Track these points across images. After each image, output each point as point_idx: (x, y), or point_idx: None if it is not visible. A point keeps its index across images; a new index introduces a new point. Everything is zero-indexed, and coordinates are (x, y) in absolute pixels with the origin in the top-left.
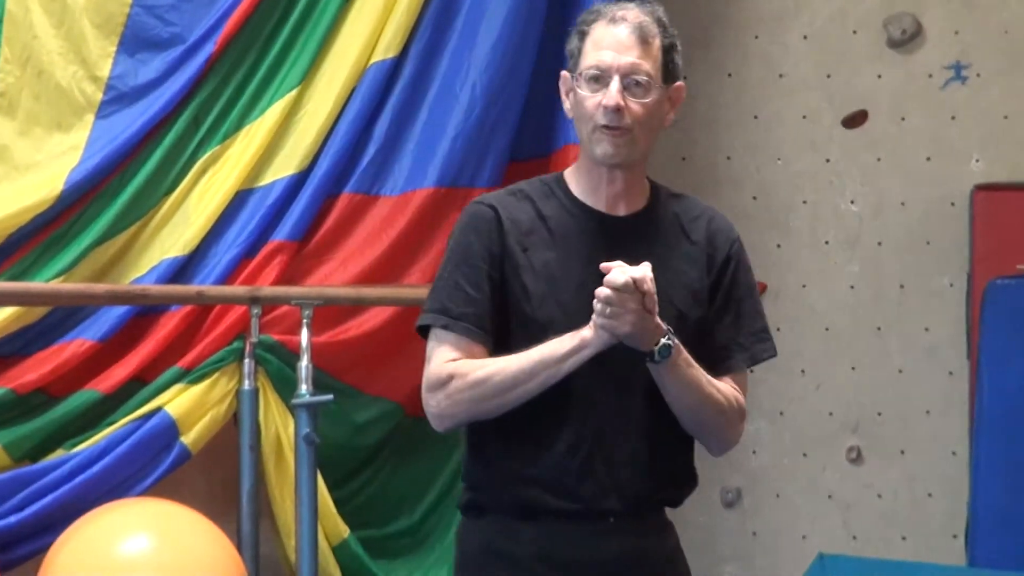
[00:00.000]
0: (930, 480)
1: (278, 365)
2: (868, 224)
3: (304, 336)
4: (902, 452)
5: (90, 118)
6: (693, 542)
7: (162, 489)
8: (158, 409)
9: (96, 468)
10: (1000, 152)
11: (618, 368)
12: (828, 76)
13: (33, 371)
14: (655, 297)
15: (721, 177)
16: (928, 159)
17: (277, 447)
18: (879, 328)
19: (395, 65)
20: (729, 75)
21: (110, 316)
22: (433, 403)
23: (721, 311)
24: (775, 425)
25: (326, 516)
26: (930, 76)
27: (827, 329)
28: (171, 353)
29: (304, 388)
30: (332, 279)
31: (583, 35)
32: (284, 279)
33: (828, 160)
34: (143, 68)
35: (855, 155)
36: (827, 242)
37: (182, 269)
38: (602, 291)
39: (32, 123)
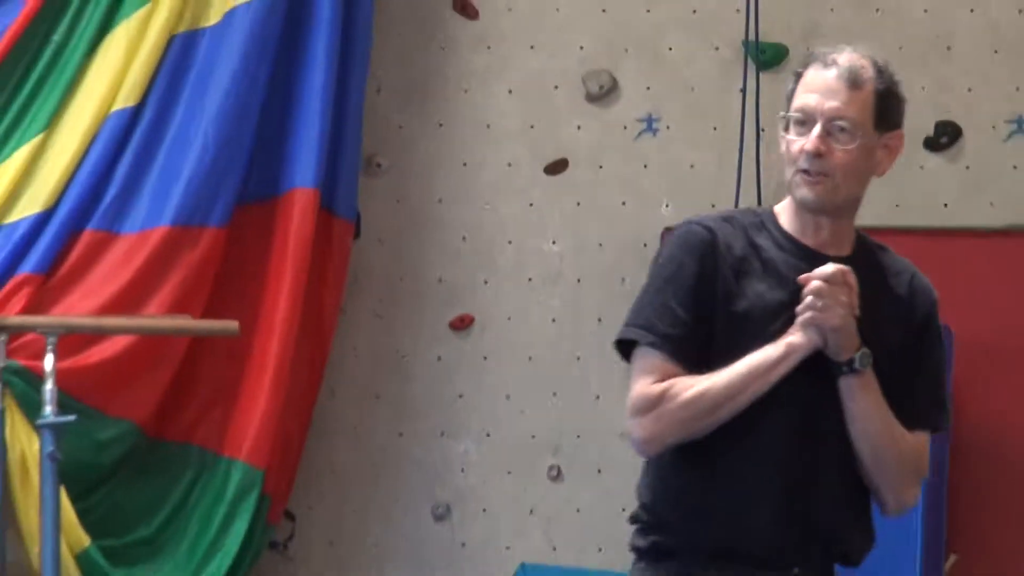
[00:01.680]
0: (623, 496)
1: (24, 388)
2: (568, 262)
3: (49, 361)
4: (599, 471)
5: None
6: (404, 553)
7: None
8: None
9: None
10: (687, 198)
11: (811, 411)
12: (532, 127)
13: None
14: (856, 296)
15: (433, 219)
16: (623, 203)
17: (23, 463)
18: (578, 357)
19: (135, 112)
20: (440, 124)
21: None
22: (640, 427)
23: (912, 372)
24: (482, 446)
25: (69, 527)
26: (625, 128)
27: (530, 358)
28: None
29: (48, 409)
30: (76, 309)
31: (798, 77)
32: (30, 309)
33: (531, 204)
34: None
35: (556, 199)
36: (530, 279)
37: None
38: (814, 284)
39: None
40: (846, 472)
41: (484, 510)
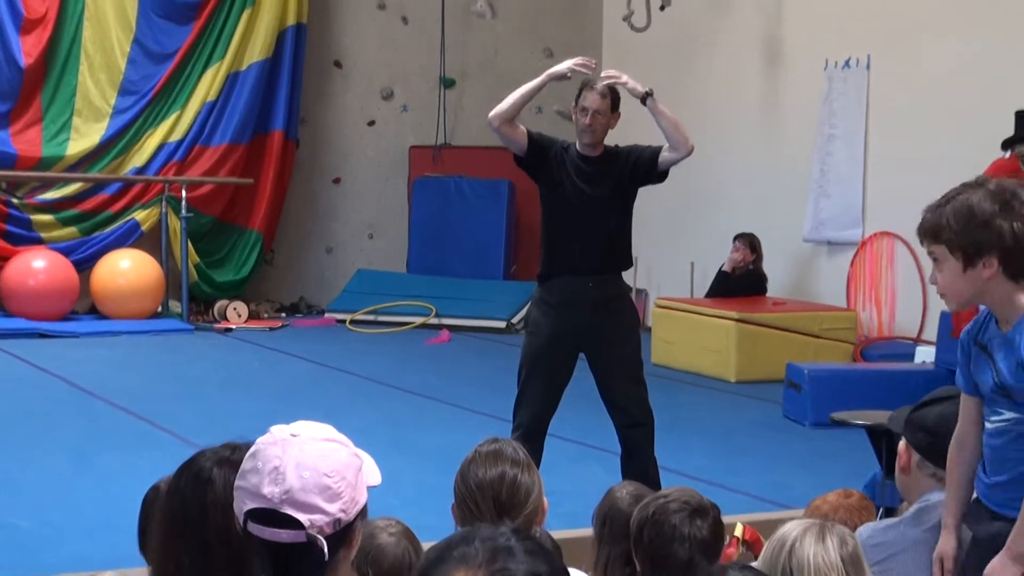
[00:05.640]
0: (398, 247)
1: (174, 203)
2: (373, 159)
3: (184, 193)
4: (387, 233)
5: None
6: (316, 265)
7: (136, 246)
8: (132, 218)
9: (112, 237)
10: (418, 136)
11: (587, 209)
12: (361, 107)
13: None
14: (629, 76)
15: (327, 142)
16: (396, 137)
17: (175, 231)
18: (379, 196)
19: (213, 104)
20: (329, 108)
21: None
22: (492, 113)
23: (638, 162)
24: (343, 225)
25: (192, 253)
26: (395, 108)
27: (360, 193)
28: (135, 199)
29: (185, 210)
30: (192, 174)
31: (580, 91)
32: (177, 174)
33: (362, 138)
34: (149, 68)
35: (372, 137)
36: (361, 164)
37: (142, 170)
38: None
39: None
40: (613, 225)
41: (344, 250)
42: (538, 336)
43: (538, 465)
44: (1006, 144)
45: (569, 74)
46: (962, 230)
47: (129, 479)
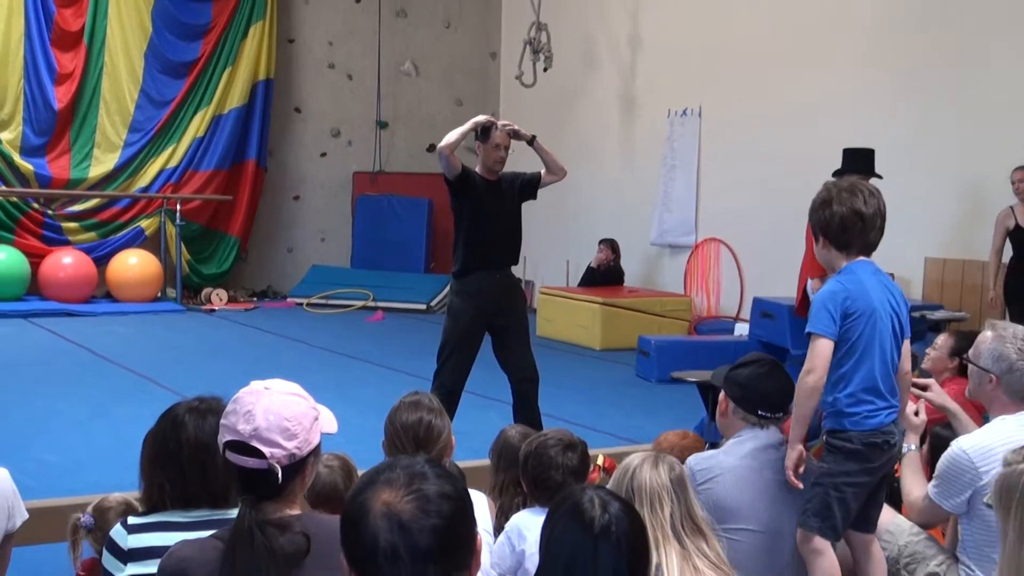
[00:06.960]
0: (340, 242)
1: (169, 213)
2: (323, 183)
3: (179, 206)
4: (324, 239)
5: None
6: (279, 261)
7: (141, 247)
8: (138, 226)
9: (123, 240)
10: (360, 159)
11: (496, 220)
12: (318, 144)
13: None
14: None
15: (288, 168)
16: (341, 161)
17: (172, 234)
18: (319, 208)
19: (201, 140)
20: (291, 143)
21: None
22: (443, 144)
23: (523, 184)
24: (301, 230)
25: (184, 253)
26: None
27: (316, 207)
28: (140, 211)
29: (178, 220)
30: (184, 192)
31: (488, 133)
32: (173, 191)
33: (315, 167)
34: (152, 111)
35: (324, 164)
36: (313, 186)
37: (146, 189)
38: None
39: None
40: (513, 232)
41: (302, 250)
42: (461, 320)
43: (453, 417)
44: (836, 175)
45: (486, 123)
46: (809, 214)
47: (135, 424)
